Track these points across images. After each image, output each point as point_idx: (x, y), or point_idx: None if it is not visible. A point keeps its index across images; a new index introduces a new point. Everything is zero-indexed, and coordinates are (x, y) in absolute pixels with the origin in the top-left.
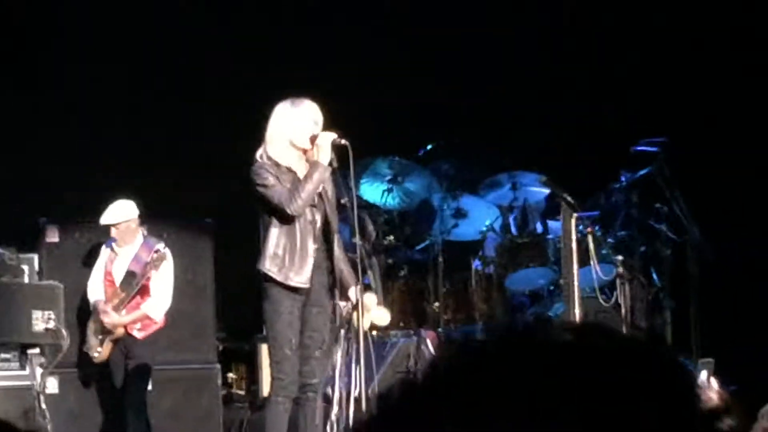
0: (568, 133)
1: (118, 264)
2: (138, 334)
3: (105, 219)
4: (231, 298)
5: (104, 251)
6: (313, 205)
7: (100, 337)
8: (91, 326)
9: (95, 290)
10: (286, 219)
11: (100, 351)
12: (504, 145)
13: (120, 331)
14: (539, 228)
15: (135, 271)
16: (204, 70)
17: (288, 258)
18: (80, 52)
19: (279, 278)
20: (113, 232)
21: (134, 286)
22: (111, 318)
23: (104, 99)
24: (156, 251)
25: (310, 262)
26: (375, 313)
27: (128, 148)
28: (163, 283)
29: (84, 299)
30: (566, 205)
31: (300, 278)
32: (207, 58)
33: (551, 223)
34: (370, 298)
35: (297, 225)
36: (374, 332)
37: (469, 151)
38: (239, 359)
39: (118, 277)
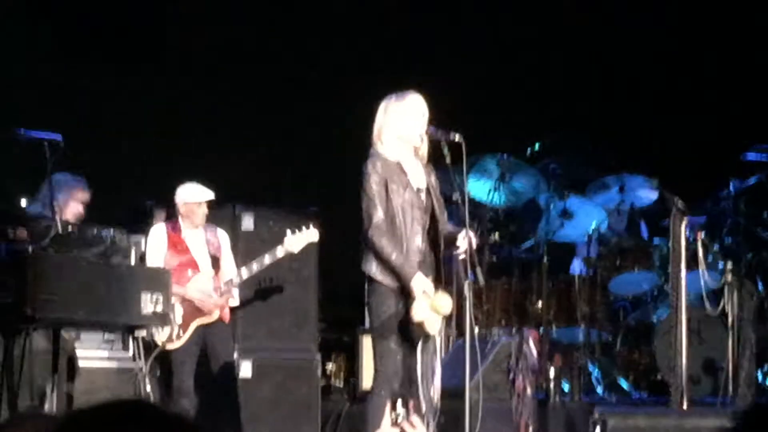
0: (677, 138)
1: (196, 248)
2: (225, 317)
3: (204, 195)
4: (333, 289)
5: (161, 234)
6: (418, 207)
7: (181, 322)
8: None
9: None
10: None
11: (181, 337)
12: (613, 147)
13: (216, 314)
14: (644, 232)
15: (217, 256)
16: (312, 61)
17: None
18: (191, 42)
19: (386, 282)
20: (201, 209)
21: (250, 268)
22: (216, 300)
23: (212, 86)
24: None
25: (414, 263)
26: (438, 299)
27: (235, 135)
28: (234, 265)
29: None
30: (677, 210)
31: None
32: (316, 48)
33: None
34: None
35: (401, 227)
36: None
37: (577, 152)
38: (338, 351)
39: (203, 260)
